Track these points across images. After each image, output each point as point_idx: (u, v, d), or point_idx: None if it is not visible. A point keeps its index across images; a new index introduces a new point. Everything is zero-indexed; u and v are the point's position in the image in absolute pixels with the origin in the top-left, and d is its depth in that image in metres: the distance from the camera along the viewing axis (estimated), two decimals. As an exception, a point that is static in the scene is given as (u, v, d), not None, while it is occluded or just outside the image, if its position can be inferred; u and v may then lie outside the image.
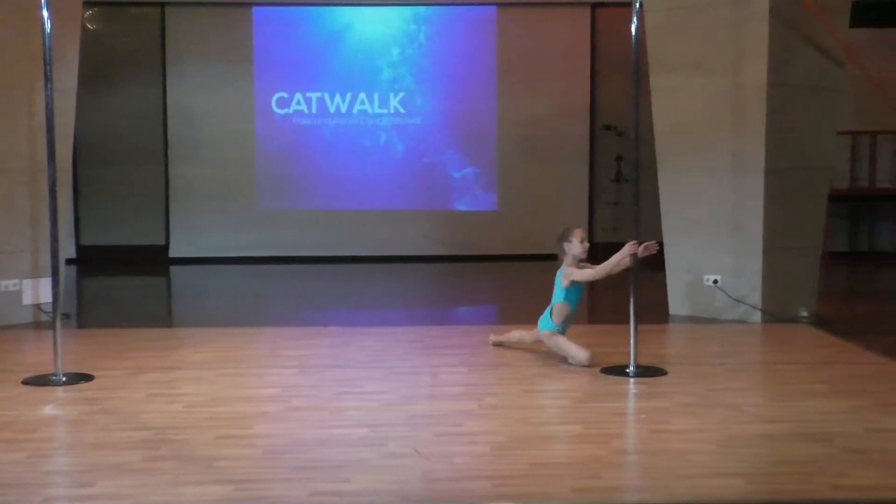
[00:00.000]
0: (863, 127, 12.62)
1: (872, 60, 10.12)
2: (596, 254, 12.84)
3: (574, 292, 6.54)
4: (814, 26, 7.88)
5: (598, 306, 9.50)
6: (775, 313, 7.99)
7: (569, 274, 6.49)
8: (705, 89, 8.10)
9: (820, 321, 8.01)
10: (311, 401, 5.56)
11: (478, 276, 11.78)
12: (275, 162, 13.09)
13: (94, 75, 11.85)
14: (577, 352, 6.34)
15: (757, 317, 7.97)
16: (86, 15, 12.25)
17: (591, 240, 12.86)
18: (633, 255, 6.25)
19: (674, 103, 8.29)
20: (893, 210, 12.74)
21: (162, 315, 9.52)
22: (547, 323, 6.55)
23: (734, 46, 7.91)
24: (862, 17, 9.26)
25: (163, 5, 12.89)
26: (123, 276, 11.83)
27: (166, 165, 13.00)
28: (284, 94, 13.08)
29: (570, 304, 6.52)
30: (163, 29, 12.92)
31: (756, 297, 8.01)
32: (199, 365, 6.47)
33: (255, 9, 12.95)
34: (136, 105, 12.94)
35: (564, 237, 6.54)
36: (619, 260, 6.40)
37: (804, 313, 8.09)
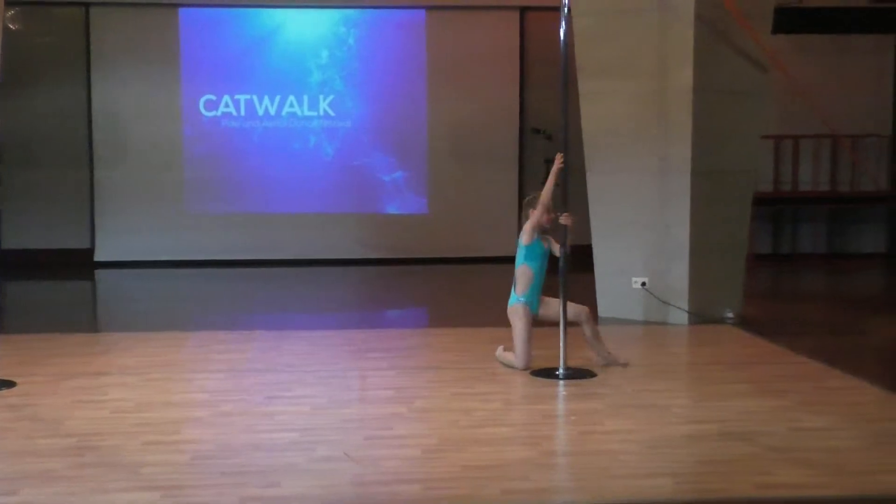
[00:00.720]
0: (785, 131, 12.87)
1: (794, 66, 10.34)
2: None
3: (534, 253, 6.31)
4: (738, 32, 8.01)
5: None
6: (702, 315, 8.11)
7: (525, 230, 6.32)
8: (633, 93, 8.19)
9: (745, 322, 8.14)
10: (241, 405, 5.51)
11: (408, 280, 11.77)
12: (203, 165, 12.94)
13: (16, 76, 11.61)
14: (518, 357, 6.30)
15: (684, 318, 8.08)
16: (7, 15, 12.00)
17: (520, 242, 13.03)
18: (564, 253, 6.23)
19: (602, 107, 8.37)
20: (815, 213, 13.00)
21: (87, 320, 9.36)
22: (512, 297, 6.39)
23: (661, 51, 8.01)
24: (783, 23, 9.43)
25: (87, 6, 12.67)
26: (47, 281, 11.61)
27: (91, 168, 12.78)
28: (212, 97, 12.95)
29: (532, 267, 6.30)
30: (87, 29, 12.71)
31: (683, 299, 8.12)
32: (126, 370, 6.38)
33: (181, 10, 12.79)
34: (60, 106, 12.70)
35: (531, 203, 6.34)
36: (551, 183, 6.27)
37: (730, 314, 8.22)
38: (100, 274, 12.17)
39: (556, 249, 6.29)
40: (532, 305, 6.34)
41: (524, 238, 6.34)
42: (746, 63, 8.24)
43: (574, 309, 6.30)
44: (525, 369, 6.26)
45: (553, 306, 6.31)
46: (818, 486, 4.14)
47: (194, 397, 5.72)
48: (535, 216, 6.27)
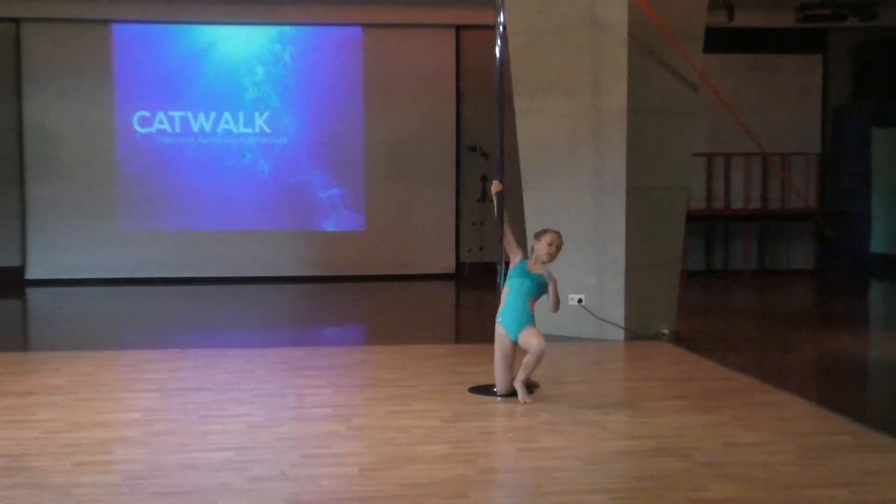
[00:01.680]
0: (717, 149, 13.08)
1: (724, 85, 10.52)
2: (462, 272, 12.99)
3: (513, 272, 6.14)
4: (670, 52, 8.13)
5: (463, 326, 9.57)
6: (637, 331, 8.18)
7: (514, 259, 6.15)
8: (567, 111, 8.26)
9: (679, 338, 8.23)
10: (173, 425, 5.44)
11: (345, 297, 11.73)
12: (137, 181, 12.81)
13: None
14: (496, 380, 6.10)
15: (620, 335, 8.14)
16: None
17: (457, 259, 13.07)
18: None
19: (536, 124, 8.43)
20: (746, 229, 13.22)
21: (17, 339, 9.18)
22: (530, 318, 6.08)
23: (594, 70, 8.09)
24: (714, 43, 9.59)
25: (17, 21, 12.49)
26: (-25, 300, 11.39)
27: (22, 184, 12.58)
28: (146, 113, 12.83)
29: (508, 286, 6.12)
30: (18, 44, 12.52)
31: (619, 316, 8.18)
32: (56, 390, 6.26)
33: (114, 25, 12.68)
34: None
35: (537, 236, 6.17)
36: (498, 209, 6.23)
37: (665, 331, 8.30)
38: (30, 292, 11.96)
39: (549, 286, 6.10)
40: (508, 329, 6.02)
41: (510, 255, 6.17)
42: (678, 82, 8.36)
43: (538, 343, 5.93)
44: (503, 394, 6.02)
45: (531, 342, 5.93)
46: (752, 501, 4.18)
47: (126, 417, 5.63)
48: (535, 253, 6.14)
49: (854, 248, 12.96)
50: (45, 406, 5.82)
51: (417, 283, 12.57)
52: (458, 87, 13.31)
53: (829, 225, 11.62)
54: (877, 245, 13.87)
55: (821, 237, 13.41)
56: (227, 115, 12.95)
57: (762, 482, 4.40)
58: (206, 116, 12.91)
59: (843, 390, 6.70)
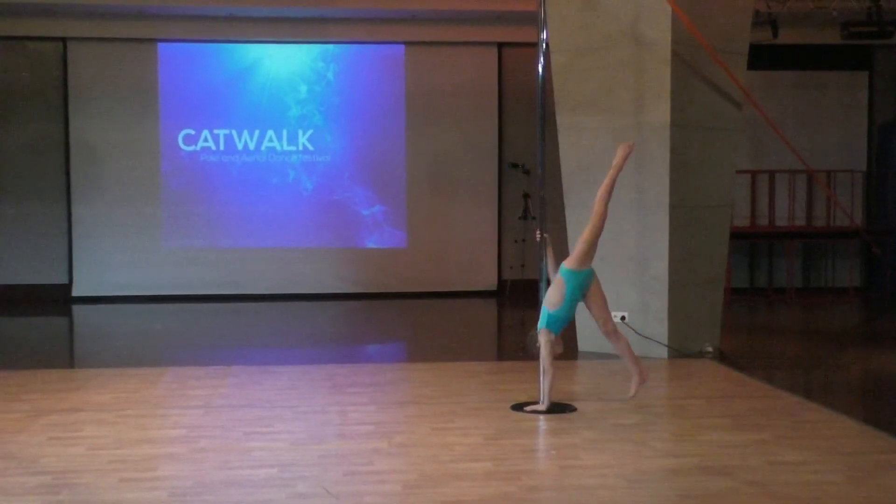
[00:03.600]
0: (761, 166, 12.99)
1: (769, 102, 10.46)
2: (504, 290, 12.98)
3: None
4: (713, 69, 8.10)
5: (505, 343, 9.56)
6: (680, 349, 8.13)
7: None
8: (609, 128, 8.24)
9: (723, 356, 8.17)
10: (218, 441, 5.48)
11: (386, 314, 11.76)
12: (181, 199, 12.94)
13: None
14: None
15: (663, 352, 8.10)
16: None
17: (499, 276, 13.07)
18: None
19: (579, 142, 8.42)
20: (790, 247, 13.09)
21: (63, 356, 9.29)
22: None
23: (637, 87, 8.08)
24: (758, 60, 9.55)
25: (65, 40, 12.69)
26: (22, 317, 11.52)
27: (69, 202, 12.75)
28: (191, 131, 12.96)
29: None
30: (65, 64, 12.71)
31: (662, 333, 8.14)
32: (101, 406, 6.32)
33: (160, 45, 12.83)
34: (37, 140, 12.69)
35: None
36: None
37: (709, 348, 8.24)
38: (77, 309, 12.10)
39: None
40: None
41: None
42: (722, 99, 8.33)
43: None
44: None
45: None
46: (797, 521, 4.14)
47: (170, 433, 5.67)
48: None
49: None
50: (91, 423, 5.88)
51: (459, 301, 12.58)
52: (500, 105, 13.33)
53: (875, 243, 11.48)
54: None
55: (867, 255, 13.25)
56: (270, 132, 13.05)
57: (807, 502, 4.35)
58: (251, 134, 13.02)
59: (891, 409, 6.61)
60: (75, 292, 12.67)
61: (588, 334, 8.49)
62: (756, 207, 13.19)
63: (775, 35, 11.55)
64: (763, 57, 10.80)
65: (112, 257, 12.74)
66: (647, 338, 8.12)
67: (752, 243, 13.35)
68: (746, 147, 11.77)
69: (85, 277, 12.77)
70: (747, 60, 8.56)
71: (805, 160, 9.51)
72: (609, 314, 6.27)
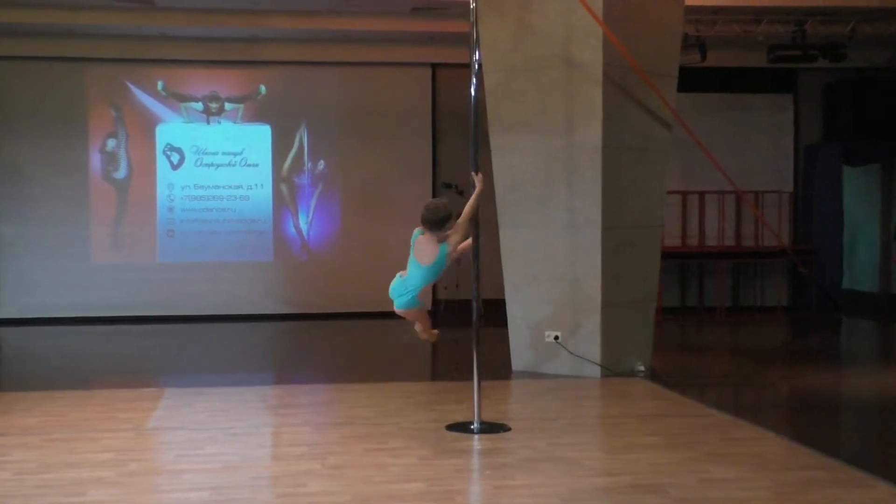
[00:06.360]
0: (691, 187, 13.18)
1: (697, 124, 10.63)
2: (439, 310, 12.99)
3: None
4: (644, 90, 8.21)
5: (440, 363, 9.56)
6: (613, 368, 8.19)
7: (454, 247, 6.73)
8: (542, 149, 8.30)
9: (654, 375, 8.25)
10: (148, 464, 5.40)
11: (319, 334, 11.68)
12: (110, 219, 12.76)
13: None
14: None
15: (596, 371, 8.15)
16: None
17: (434, 296, 13.08)
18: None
19: (512, 162, 8.47)
20: (720, 267, 13.29)
21: (-12, 379, 9.10)
22: (415, 302, 6.91)
23: (569, 108, 8.15)
24: (687, 82, 9.69)
25: (-9, 59, 12.48)
26: (-54, 339, 11.26)
27: (-6, 224, 12.52)
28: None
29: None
30: (-7, 82, 12.51)
31: (595, 352, 8.20)
32: (27, 430, 6.19)
33: (86, 64, 12.67)
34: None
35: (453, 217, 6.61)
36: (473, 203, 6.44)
37: (641, 367, 8.31)
38: (2, 331, 11.84)
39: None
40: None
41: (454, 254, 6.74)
42: (652, 120, 8.44)
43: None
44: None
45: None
46: (728, 537, 4.19)
47: (99, 457, 5.57)
48: (450, 239, 6.65)
49: (826, 284, 13.04)
50: (17, 447, 5.76)
51: (394, 321, 12.50)
52: (434, 125, 13.37)
53: (801, 262, 11.69)
54: (846, 282, 14.05)
55: (794, 274, 13.49)
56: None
57: (739, 518, 4.41)
58: (180, 155, 12.93)
59: (818, 426, 6.73)
60: (1, 314, 12.41)
61: (522, 354, 8.53)
62: (686, 227, 13.38)
63: (704, 58, 11.74)
64: (692, 79, 10.97)
65: (40, 278, 12.51)
66: (579, 357, 8.18)
67: (682, 263, 13.52)
68: (677, 168, 11.92)
69: (10, 299, 12.52)
70: (677, 82, 8.70)
71: (734, 181, 9.66)
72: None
